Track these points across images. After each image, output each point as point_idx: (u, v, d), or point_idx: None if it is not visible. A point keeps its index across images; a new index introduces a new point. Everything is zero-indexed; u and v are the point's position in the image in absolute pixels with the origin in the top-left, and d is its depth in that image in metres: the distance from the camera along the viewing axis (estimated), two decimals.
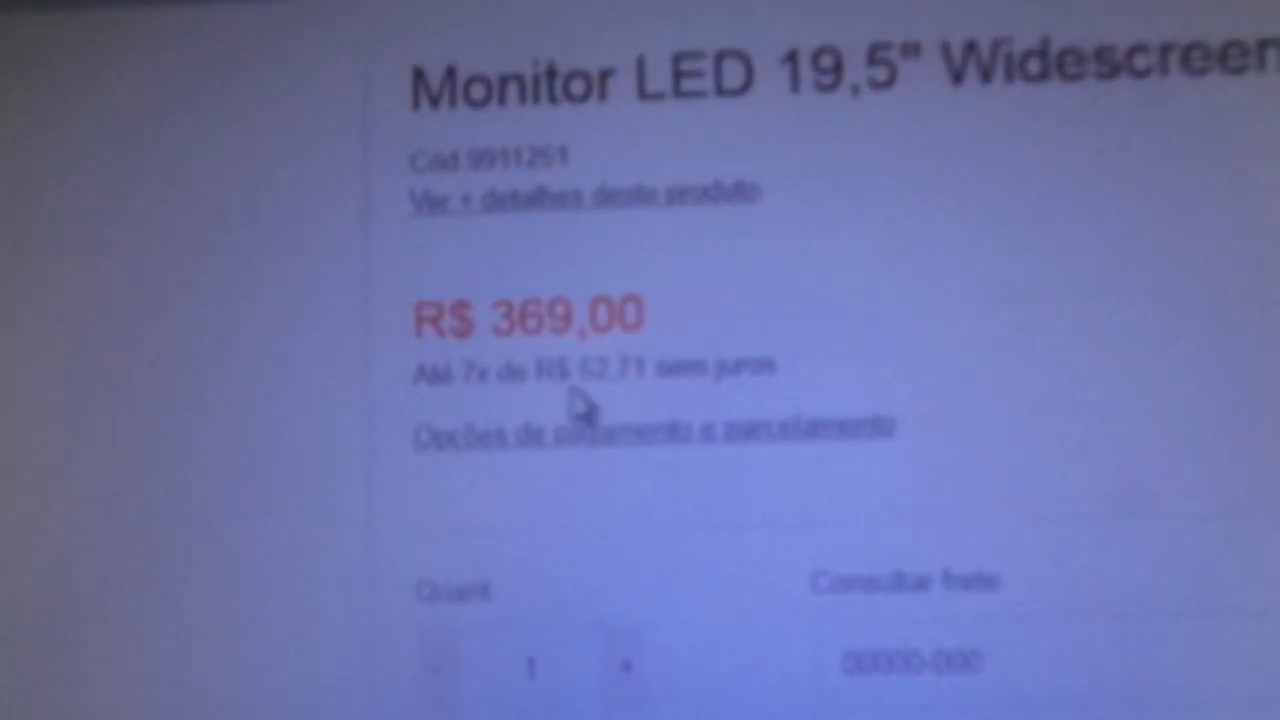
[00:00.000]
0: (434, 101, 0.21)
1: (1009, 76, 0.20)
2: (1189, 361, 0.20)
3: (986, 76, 0.20)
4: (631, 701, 0.20)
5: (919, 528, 0.20)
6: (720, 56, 0.20)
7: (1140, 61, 0.20)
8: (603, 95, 0.21)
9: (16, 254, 0.21)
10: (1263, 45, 0.20)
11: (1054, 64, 0.20)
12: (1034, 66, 0.20)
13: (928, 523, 0.20)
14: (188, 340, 0.21)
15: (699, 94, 0.20)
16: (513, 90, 0.21)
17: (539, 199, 0.20)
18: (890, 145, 0.20)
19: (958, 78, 0.20)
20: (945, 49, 0.20)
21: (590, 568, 0.20)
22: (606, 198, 0.20)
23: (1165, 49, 0.20)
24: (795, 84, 0.20)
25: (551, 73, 0.21)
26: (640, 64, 0.21)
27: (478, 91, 0.21)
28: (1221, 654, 0.19)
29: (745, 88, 0.20)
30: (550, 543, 0.20)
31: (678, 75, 0.21)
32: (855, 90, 0.20)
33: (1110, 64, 0.20)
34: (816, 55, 0.20)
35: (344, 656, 0.20)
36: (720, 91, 0.20)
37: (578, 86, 0.21)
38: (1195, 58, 0.20)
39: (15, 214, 0.21)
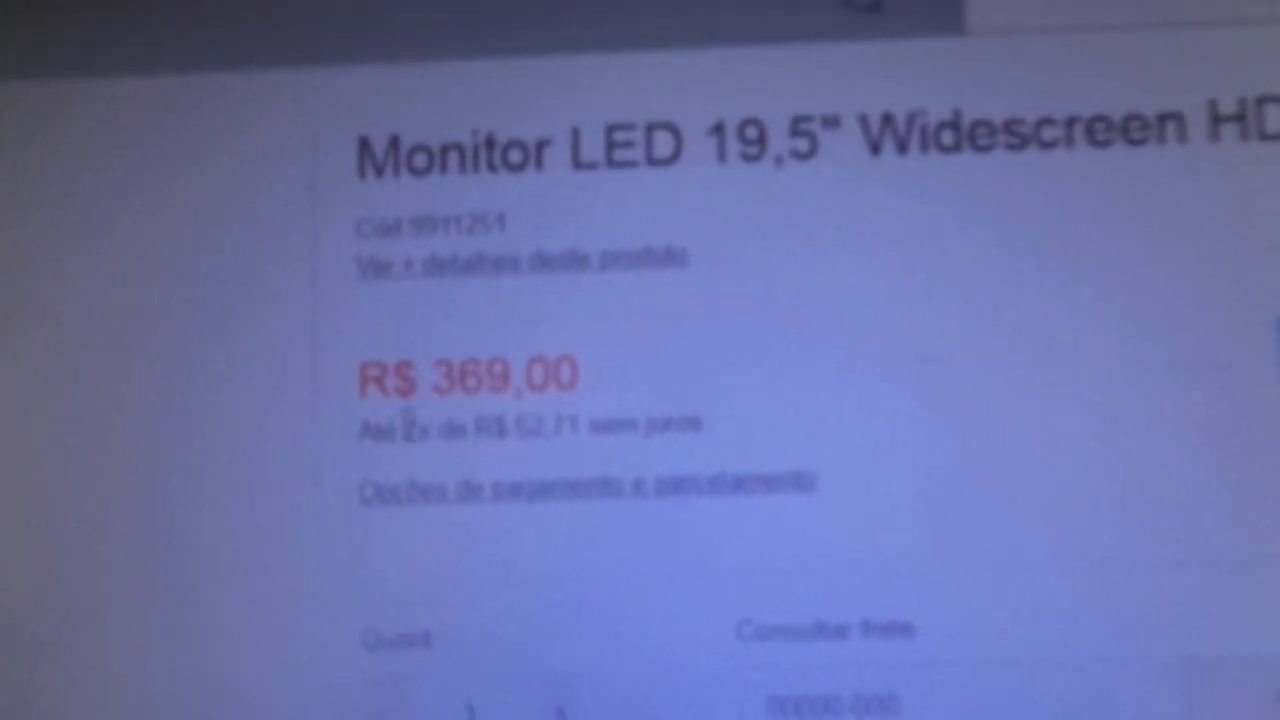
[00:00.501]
0: (379, 170, 0.22)
1: (924, 147, 0.21)
2: (1102, 419, 0.21)
3: (903, 148, 0.21)
4: None
5: (838, 578, 0.21)
6: (651, 128, 0.22)
7: (1047, 133, 0.21)
8: (539, 164, 0.22)
9: None
10: (1161, 119, 0.21)
11: (966, 136, 0.21)
12: (948, 138, 0.21)
13: (847, 574, 0.21)
14: (143, 395, 0.22)
15: (630, 163, 0.22)
16: (453, 159, 0.22)
17: (478, 264, 0.21)
18: (812, 212, 0.21)
19: (876, 148, 0.21)
20: (864, 121, 0.21)
21: (527, 618, 0.21)
22: (542, 262, 0.21)
23: (1070, 121, 0.21)
24: (722, 154, 0.21)
25: (490, 142, 0.22)
26: (575, 134, 0.22)
27: (420, 160, 0.22)
28: (1130, 699, 0.20)
29: (674, 157, 0.21)
30: (488, 594, 0.21)
31: (610, 145, 0.22)
32: (779, 160, 0.21)
33: (1019, 136, 0.21)
34: (742, 127, 0.21)
35: (291, 702, 0.21)
36: (651, 161, 0.22)
37: (515, 155, 0.22)
38: (1099, 130, 0.21)
39: None
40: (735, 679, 0.20)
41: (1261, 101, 0.21)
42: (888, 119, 0.21)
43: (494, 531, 0.21)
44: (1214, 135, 0.21)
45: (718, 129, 0.21)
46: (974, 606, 0.20)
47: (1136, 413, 0.21)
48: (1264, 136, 0.21)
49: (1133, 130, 0.21)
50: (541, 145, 0.22)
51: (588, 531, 0.21)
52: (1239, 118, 0.21)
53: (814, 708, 0.20)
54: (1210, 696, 0.20)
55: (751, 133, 0.21)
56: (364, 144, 0.22)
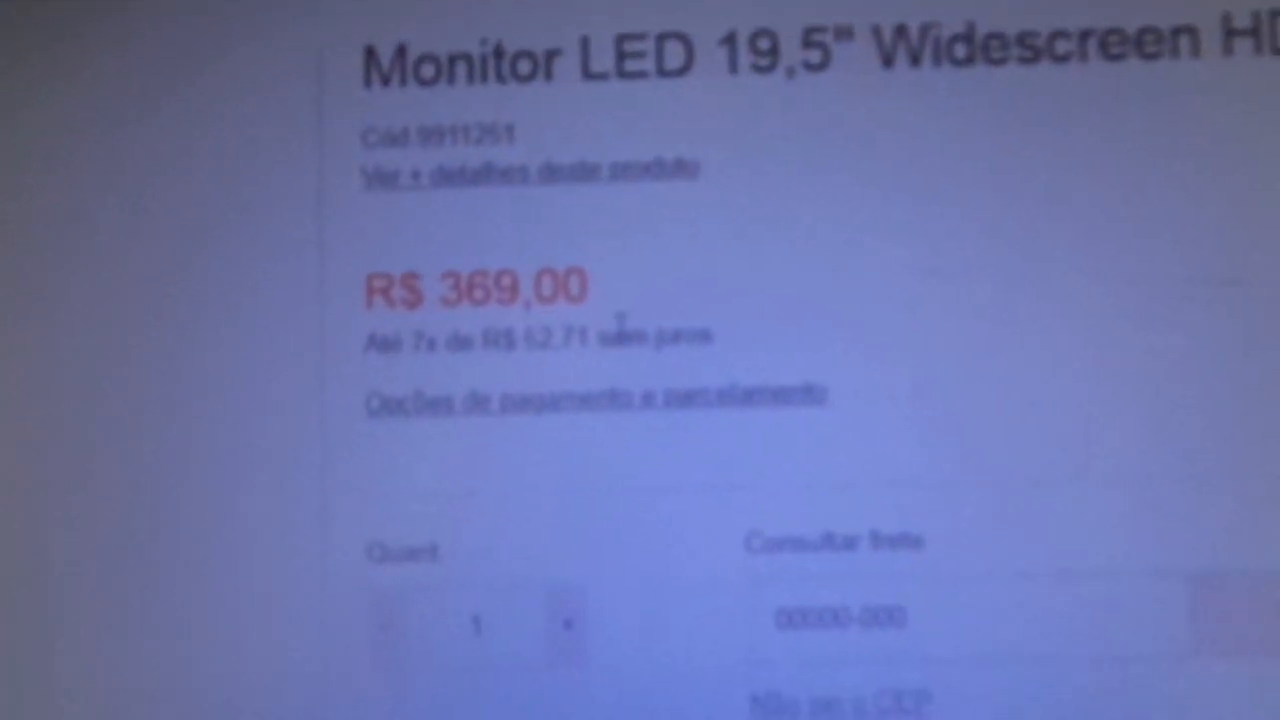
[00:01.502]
0: (385, 80, 0.21)
1: (937, 60, 0.21)
2: (1111, 333, 0.21)
3: (915, 60, 0.21)
4: (573, 658, 0.21)
5: (847, 491, 0.20)
6: (662, 38, 0.21)
7: (1060, 47, 0.21)
8: (548, 75, 0.21)
9: None
10: (1176, 32, 0.21)
11: (979, 48, 0.21)
12: (960, 51, 0.21)
13: (856, 486, 0.20)
14: (146, 310, 0.21)
15: (641, 74, 0.21)
16: (461, 69, 0.21)
17: (486, 175, 0.21)
18: (824, 125, 0.21)
19: (888, 61, 0.21)
20: (877, 33, 0.21)
21: (534, 530, 0.21)
22: (551, 174, 0.21)
23: (1084, 35, 0.21)
24: (733, 65, 0.21)
25: (499, 52, 0.21)
26: (584, 44, 0.21)
27: (427, 70, 0.21)
28: (1135, 613, 0.20)
29: (685, 68, 0.21)
30: (495, 506, 0.21)
31: (620, 56, 0.21)
32: (790, 72, 0.21)
33: (1032, 49, 0.21)
34: (754, 38, 0.21)
35: (297, 614, 0.21)
36: (661, 72, 0.21)
37: (524, 66, 0.21)
38: (1112, 43, 0.21)
39: None
40: (744, 590, 0.20)
41: (1275, 15, 0.21)
42: (900, 30, 0.21)
43: (501, 444, 0.21)
44: (1228, 49, 0.21)
45: (729, 39, 0.21)
46: (982, 520, 0.20)
47: (1148, 326, 0.20)
48: (1277, 51, 0.21)
49: (1147, 44, 0.21)
50: (550, 55, 0.21)
51: (596, 444, 0.21)
52: (1253, 31, 0.21)
53: (822, 619, 0.20)
54: (1216, 610, 0.20)
55: (763, 43, 0.21)
56: (370, 53, 0.22)
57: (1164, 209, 0.21)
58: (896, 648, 0.20)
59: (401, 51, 0.21)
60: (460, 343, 0.21)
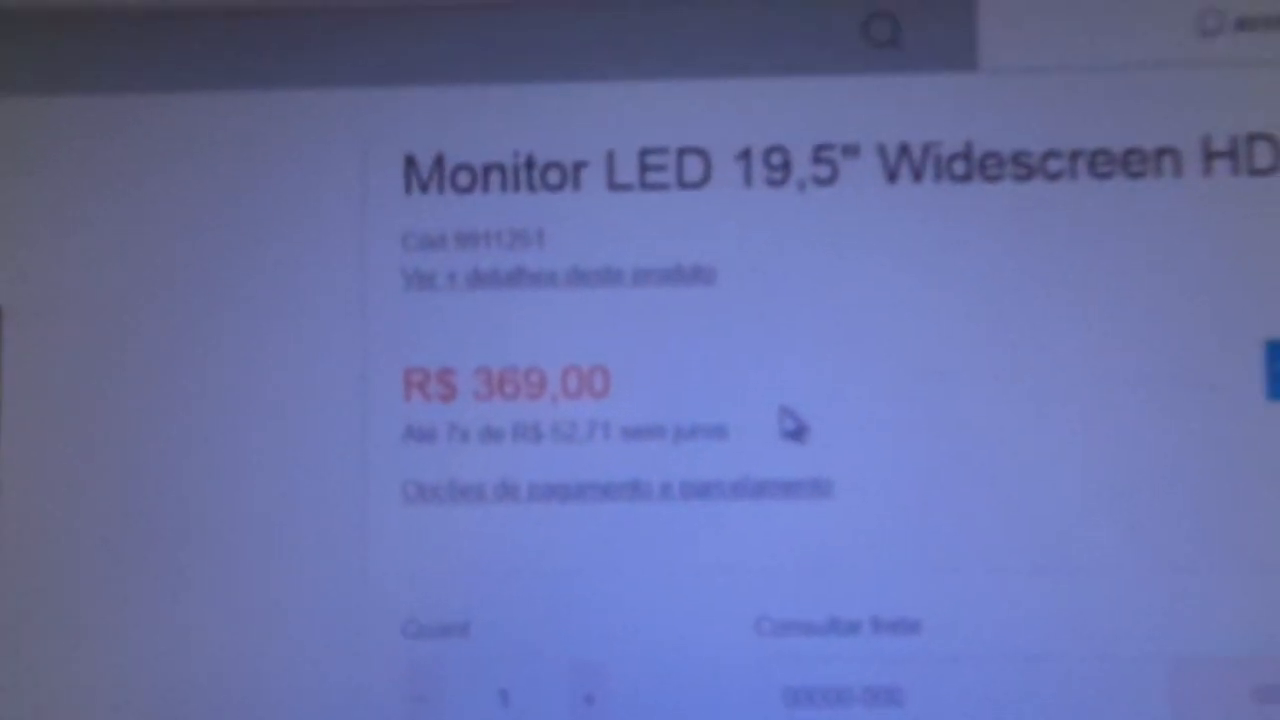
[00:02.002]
0: (424, 187, 0.23)
1: (937, 176, 0.23)
2: (1094, 431, 0.22)
3: (917, 176, 0.23)
4: None
5: (851, 578, 0.22)
6: (682, 153, 0.23)
7: (1053, 165, 0.23)
8: (576, 185, 0.23)
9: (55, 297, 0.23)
10: (1159, 153, 0.22)
11: (976, 166, 0.23)
12: (959, 168, 0.23)
13: (859, 573, 0.22)
14: (205, 400, 0.23)
15: (662, 186, 0.23)
16: (495, 178, 0.23)
17: (517, 278, 0.23)
18: (832, 235, 0.23)
19: (892, 176, 0.23)
20: (881, 150, 0.23)
21: (559, 610, 0.22)
22: (578, 277, 0.23)
23: (1074, 154, 0.23)
24: (748, 179, 0.23)
25: (530, 163, 0.23)
26: (610, 157, 0.23)
27: (463, 179, 0.23)
28: (1120, 694, 0.22)
29: (704, 181, 0.23)
30: (523, 587, 0.22)
31: (644, 168, 0.23)
32: (801, 185, 0.23)
33: (1026, 167, 0.23)
34: (767, 153, 0.23)
35: (337, 686, 0.22)
36: (681, 184, 0.23)
37: (554, 176, 0.23)
38: (1100, 163, 0.23)
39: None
40: (753, 670, 0.22)
41: (1252, 139, 0.22)
42: (904, 149, 0.23)
43: (529, 530, 0.22)
44: (1207, 170, 0.22)
45: (744, 155, 0.23)
46: (975, 605, 0.22)
47: (1131, 427, 0.22)
48: (1254, 171, 0.22)
49: (1132, 164, 0.22)
50: (579, 167, 0.23)
51: (617, 531, 0.22)
52: (1231, 154, 0.22)
53: (826, 698, 0.22)
54: (1194, 693, 0.22)
55: (776, 159, 0.23)
56: (410, 162, 0.23)
57: (1148, 316, 0.22)
58: None
59: (440, 161, 0.23)
60: (491, 435, 0.23)
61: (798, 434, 0.22)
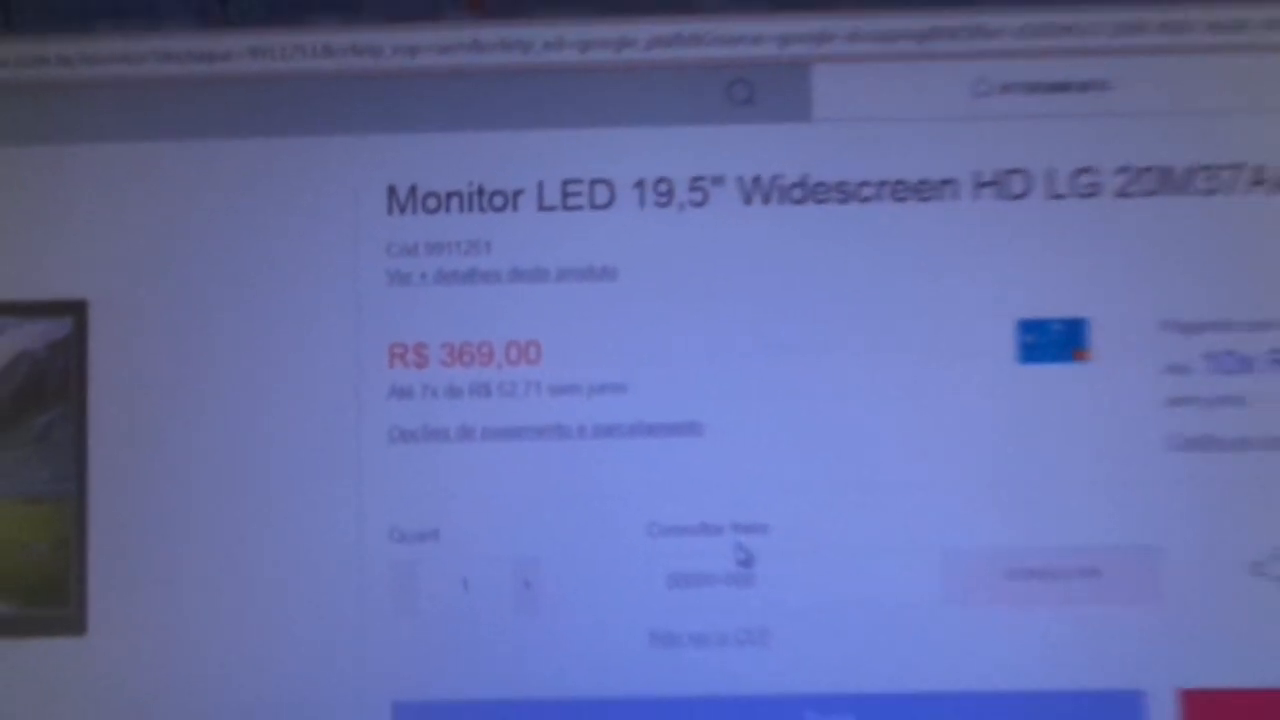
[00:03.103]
0: (402, 209, 0.31)
1: (781, 200, 0.31)
2: (897, 385, 0.30)
3: (766, 200, 0.31)
4: (531, 608, 0.30)
5: (716, 495, 0.30)
6: (593, 182, 0.31)
7: (865, 191, 0.31)
8: (515, 207, 0.31)
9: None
10: (943, 183, 0.31)
11: (810, 192, 0.31)
12: (797, 194, 0.31)
13: (722, 492, 0.30)
14: (235, 372, 0.31)
15: (579, 207, 0.31)
16: (455, 202, 0.31)
17: (472, 276, 0.31)
18: (705, 242, 0.31)
19: (748, 200, 0.31)
20: (740, 181, 0.31)
21: (505, 520, 0.30)
22: (517, 275, 0.31)
23: (881, 183, 0.31)
24: (642, 202, 0.31)
25: (481, 191, 0.31)
26: (540, 186, 0.31)
27: (431, 203, 0.31)
28: (914, 577, 0.30)
29: (610, 203, 0.31)
30: (479, 504, 0.30)
31: (565, 194, 0.31)
32: (681, 206, 0.31)
33: (845, 193, 0.31)
34: (657, 183, 0.31)
35: (339, 580, 0.30)
36: (593, 206, 0.31)
37: (498, 200, 0.31)
38: (900, 190, 0.31)
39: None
40: (644, 562, 0.30)
41: (1010, 172, 0.31)
42: (756, 179, 0.31)
43: (482, 462, 0.30)
44: (977, 195, 0.31)
45: (640, 184, 0.31)
46: (808, 514, 0.30)
47: (921, 384, 0.30)
48: (1011, 197, 0.31)
49: (923, 190, 0.31)
50: (516, 194, 0.31)
51: (547, 462, 0.30)
52: (995, 183, 0.31)
53: (697, 581, 0.30)
54: (960, 575, 0.30)
55: (663, 187, 0.31)
56: (391, 190, 0.31)
57: (933, 301, 0.30)
58: (750, 601, 0.30)
59: (413, 189, 0.31)
60: (454, 392, 0.31)
61: (677, 390, 0.30)
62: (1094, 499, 0.30)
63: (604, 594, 0.30)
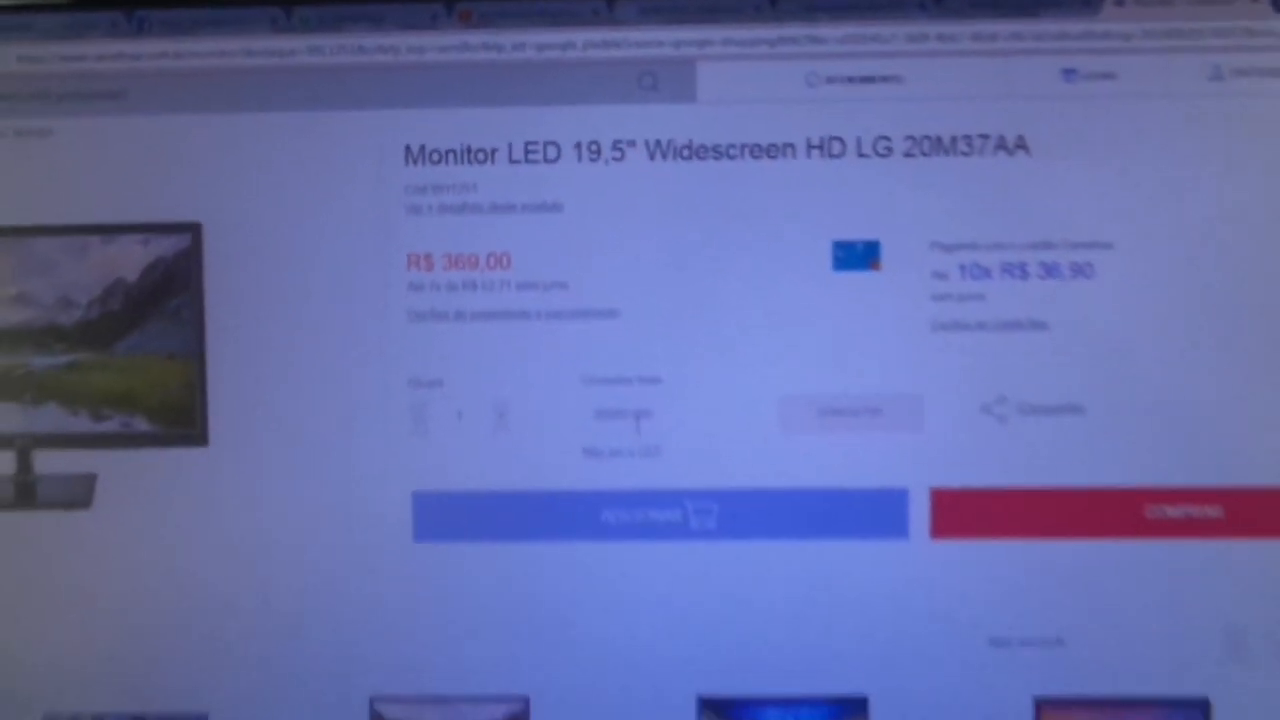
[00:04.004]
0: (415, 161, 0.45)
1: (675, 158, 0.45)
2: (751, 287, 0.45)
3: (665, 157, 0.45)
4: (504, 431, 0.45)
5: (625, 358, 0.45)
6: (546, 144, 0.45)
7: (731, 151, 0.45)
8: (493, 160, 0.45)
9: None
10: (785, 145, 0.45)
11: (696, 152, 0.45)
12: (686, 153, 0.45)
13: (628, 356, 0.45)
14: (297, 271, 0.45)
15: (536, 160, 0.45)
16: (450, 156, 0.45)
17: (463, 208, 0.45)
18: (624, 185, 0.45)
19: (653, 157, 0.45)
20: (647, 144, 0.45)
21: (489, 370, 0.45)
22: (495, 208, 0.45)
23: (743, 146, 0.44)
24: (579, 157, 0.45)
25: (468, 149, 0.45)
26: (510, 146, 0.45)
27: (434, 156, 0.45)
28: (765, 417, 0.45)
29: (558, 158, 0.45)
30: (470, 362, 0.45)
31: (527, 151, 0.45)
32: (607, 161, 0.45)
33: (719, 152, 0.45)
34: (590, 144, 0.45)
35: (372, 412, 0.45)
36: (546, 160, 0.45)
37: (481, 155, 0.45)
38: (756, 151, 0.44)
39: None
40: (581, 402, 0.45)
41: (832, 139, 0.44)
42: (659, 143, 0.45)
43: (469, 335, 0.45)
44: (808, 155, 0.44)
45: (578, 145, 0.45)
46: (690, 367, 0.45)
47: (774, 286, 0.45)
48: (832, 156, 0.44)
49: (772, 151, 0.45)
50: (494, 151, 0.45)
51: (513, 336, 0.45)
52: (820, 147, 0.44)
53: (615, 414, 0.45)
54: (792, 414, 0.45)
55: (594, 147, 0.45)
56: (407, 149, 0.45)
57: (773, 228, 0.45)
58: (648, 428, 0.45)
59: (423, 148, 0.45)
60: (451, 287, 0.45)
61: (603, 287, 0.45)
62: (880, 360, 0.45)
63: (551, 422, 0.45)
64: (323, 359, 0.46)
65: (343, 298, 0.45)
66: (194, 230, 0.46)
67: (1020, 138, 0.44)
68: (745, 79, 0.45)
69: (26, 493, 0.46)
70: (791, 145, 0.45)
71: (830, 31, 0.44)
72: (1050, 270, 0.44)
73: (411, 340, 0.45)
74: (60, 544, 0.46)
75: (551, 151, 0.45)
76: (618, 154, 0.45)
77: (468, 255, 0.45)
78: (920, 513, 0.45)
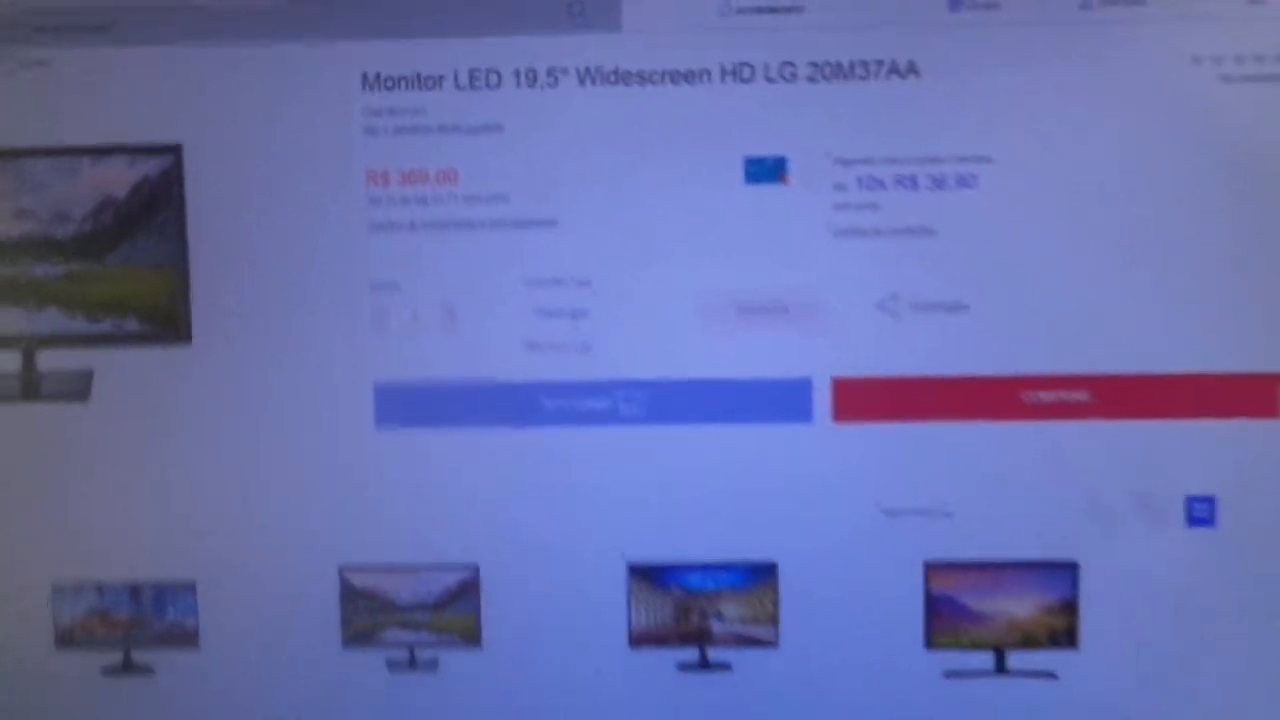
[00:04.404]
0: (372, 88, 0.50)
1: (602, 83, 0.50)
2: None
3: (595, 83, 0.50)
4: (451, 329, 0.51)
5: (563, 262, 0.50)
6: (488, 71, 0.50)
7: (653, 77, 0.50)
8: (440, 87, 0.50)
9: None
10: (702, 70, 0.50)
11: (621, 78, 0.50)
12: (613, 78, 0.50)
13: (567, 260, 0.51)
14: (266, 184, 0.51)
15: (479, 86, 0.50)
16: (403, 83, 0.50)
17: (415, 130, 0.50)
18: (556, 108, 0.50)
19: (582, 83, 0.50)
20: (578, 71, 0.50)
21: (435, 275, 0.51)
22: (443, 129, 0.50)
23: (663, 72, 0.50)
24: (518, 83, 0.50)
25: (418, 76, 0.50)
26: (455, 73, 0.50)
27: (389, 84, 0.50)
28: None
29: (499, 84, 0.50)
30: (420, 264, 0.51)
31: (471, 79, 0.50)
32: (543, 87, 0.50)
33: (644, 78, 0.50)
34: (527, 71, 0.50)
35: (337, 311, 0.51)
36: (488, 86, 0.50)
37: (430, 83, 0.50)
38: (674, 76, 0.50)
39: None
40: (522, 301, 0.51)
41: (741, 64, 0.50)
42: (588, 69, 0.50)
43: (425, 238, 0.51)
44: (722, 79, 0.50)
45: (517, 72, 0.50)
46: (618, 270, 0.50)
47: (696, 195, 0.50)
48: (743, 80, 0.50)
49: (690, 77, 0.50)
50: (440, 78, 0.50)
51: (460, 244, 0.51)
52: (733, 72, 0.50)
53: (554, 313, 0.51)
54: (709, 310, 0.51)
55: (529, 72, 0.50)
56: (364, 76, 0.50)
57: (690, 145, 0.50)
58: (581, 325, 0.51)
59: (379, 76, 0.50)
60: (404, 200, 0.51)
61: (541, 198, 0.50)
62: (787, 264, 0.50)
63: (497, 321, 0.51)
64: (292, 267, 0.51)
65: (309, 212, 0.51)
66: (175, 152, 0.51)
67: (911, 62, 0.49)
68: (665, 9, 0.50)
69: (31, 387, 0.52)
70: (707, 71, 0.50)
71: None
72: (938, 182, 0.50)
73: (371, 248, 0.51)
74: (62, 432, 0.52)
75: (493, 79, 0.50)
76: (552, 80, 0.50)
77: (420, 171, 0.51)
78: (823, 399, 0.51)
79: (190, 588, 0.52)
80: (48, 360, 0.52)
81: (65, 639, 0.53)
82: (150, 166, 0.51)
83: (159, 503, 0.52)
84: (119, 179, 0.51)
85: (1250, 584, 0.50)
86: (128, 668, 0.53)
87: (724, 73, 0.50)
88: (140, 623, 0.53)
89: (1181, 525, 0.50)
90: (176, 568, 0.52)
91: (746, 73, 0.50)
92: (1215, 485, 0.50)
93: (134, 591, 0.53)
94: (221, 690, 0.52)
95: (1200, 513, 0.50)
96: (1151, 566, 0.50)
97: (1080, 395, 0.50)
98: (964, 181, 0.50)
